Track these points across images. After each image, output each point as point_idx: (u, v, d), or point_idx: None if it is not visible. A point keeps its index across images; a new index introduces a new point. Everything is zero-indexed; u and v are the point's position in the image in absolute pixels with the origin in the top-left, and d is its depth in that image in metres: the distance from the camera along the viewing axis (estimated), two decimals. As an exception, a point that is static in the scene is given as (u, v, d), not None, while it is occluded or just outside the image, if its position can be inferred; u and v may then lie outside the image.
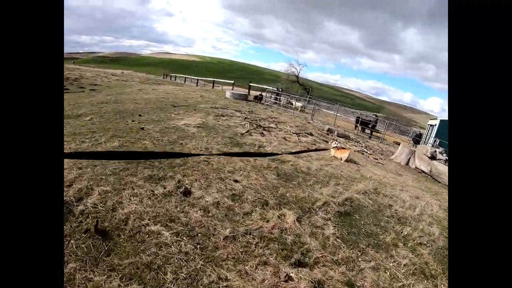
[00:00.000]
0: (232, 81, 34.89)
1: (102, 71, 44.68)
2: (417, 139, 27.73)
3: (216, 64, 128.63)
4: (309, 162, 8.86)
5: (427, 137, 30.37)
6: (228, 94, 24.69)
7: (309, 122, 21.70)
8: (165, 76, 52.84)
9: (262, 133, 11.90)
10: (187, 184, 5.40)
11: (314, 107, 27.19)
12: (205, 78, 42.59)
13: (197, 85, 37.75)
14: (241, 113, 15.64)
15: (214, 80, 38.06)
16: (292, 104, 28.16)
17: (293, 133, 13.97)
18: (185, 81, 45.49)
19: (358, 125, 27.76)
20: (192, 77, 45.43)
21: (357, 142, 18.96)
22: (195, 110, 13.99)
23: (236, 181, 6.01)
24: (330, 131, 18.85)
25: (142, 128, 8.91)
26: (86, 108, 12.71)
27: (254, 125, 12.95)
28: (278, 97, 30.56)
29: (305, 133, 15.10)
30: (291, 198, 5.87)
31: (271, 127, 13.82)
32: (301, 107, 28.70)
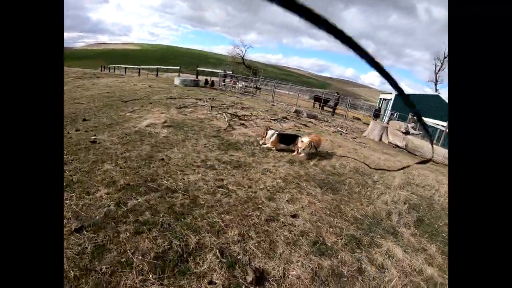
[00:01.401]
0: (178, 67, 32.14)
1: (27, 71, 38.40)
2: (377, 113, 27.75)
3: (157, 50, 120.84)
4: (324, 158, 7.72)
5: (384, 110, 31.55)
6: (177, 82, 22.63)
7: (273, 105, 20.44)
8: (103, 69, 47.41)
9: (243, 124, 10.48)
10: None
11: (274, 89, 25.12)
12: (147, 67, 38.23)
13: (139, 75, 34.08)
14: (203, 102, 14.13)
15: (158, 68, 34.71)
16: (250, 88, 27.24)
17: (271, 119, 12.79)
18: (125, 71, 40.05)
19: (316, 103, 27.93)
20: (133, 66, 41.44)
21: (327, 121, 18.44)
22: (151, 103, 11.55)
23: (294, 216, 4.46)
24: (297, 112, 18.26)
25: (94, 141, 6.22)
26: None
27: (228, 115, 11.31)
28: (231, 80, 28.79)
29: (281, 117, 14.12)
30: (367, 220, 4.84)
31: (247, 115, 12.39)
32: (244, 86, 27.42)
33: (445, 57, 43.06)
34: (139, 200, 4.12)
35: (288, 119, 14.17)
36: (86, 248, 3.18)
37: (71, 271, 2.90)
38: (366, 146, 12.16)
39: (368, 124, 20.52)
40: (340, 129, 15.53)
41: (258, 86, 30.30)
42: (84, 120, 8.24)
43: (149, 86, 18.29)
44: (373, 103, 40.75)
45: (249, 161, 6.40)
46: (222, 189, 4.84)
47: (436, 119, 21.60)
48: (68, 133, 6.82)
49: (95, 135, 6.62)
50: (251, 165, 6.18)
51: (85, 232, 3.40)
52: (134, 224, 3.60)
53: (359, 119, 27.51)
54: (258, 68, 51.11)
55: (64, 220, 3.55)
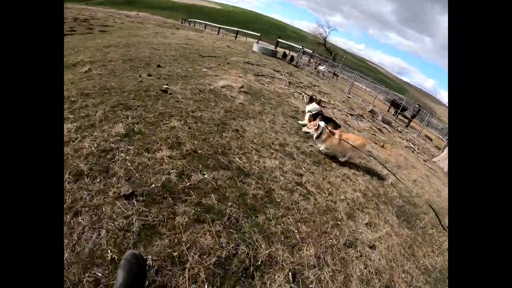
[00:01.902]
0: (258, 34, 30.99)
1: (116, 12, 38.42)
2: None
3: (238, 13, 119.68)
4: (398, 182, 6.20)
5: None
6: (255, 48, 21.43)
7: (349, 97, 18.76)
8: (183, 21, 47.36)
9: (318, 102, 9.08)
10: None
11: (353, 81, 23.45)
12: (227, 27, 37.62)
13: (218, 34, 33.69)
14: (281, 75, 12.88)
15: (238, 31, 33.50)
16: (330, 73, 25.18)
17: (348, 114, 11.44)
18: (205, 28, 40.22)
19: (391, 108, 25.79)
20: (214, 24, 39.75)
21: (400, 132, 16.61)
22: (228, 64, 10.73)
23: (371, 247, 3.64)
24: (372, 112, 16.32)
25: (166, 91, 5.57)
26: (87, 53, 8.69)
27: (306, 95, 10.18)
28: (312, 59, 27.29)
29: (357, 114, 12.54)
30: (435, 274, 3.86)
31: (324, 101, 10.98)
32: (325, 70, 25.65)
33: None
34: (206, 176, 3.38)
35: (364, 118, 12.75)
36: (133, 224, 2.50)
37: (109, 250, 2.24)
38: (436, 175, 10.64)
39: (439, 148, 19.35)
40: (412, 146, 14.08)
41: (336, 72, 28.53)
42: (159, 66, 7.61)
43: (228, 47, 17.55)
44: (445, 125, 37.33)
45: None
46: (301, 188, 4.03)
47: None
48: (140, 76, 6.25)
49: (167, 84, 5.98)
50: (331, 165, 5.26)
51: (135, 202, 2.73)
52: (195, 208, 2.87)
53: (431, 139, 25.12)
54: (338, 53, 49.01)
55: (114, 179, 2.91)
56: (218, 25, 37.41)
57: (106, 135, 3.53)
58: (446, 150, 14.46)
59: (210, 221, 2.76)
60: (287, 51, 25.39)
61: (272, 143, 5.00)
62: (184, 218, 2.69)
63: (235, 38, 32.66)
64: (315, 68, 24.07)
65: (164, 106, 4.79)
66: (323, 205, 3.90)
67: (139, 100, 4.75)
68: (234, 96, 6.64)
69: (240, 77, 8.91)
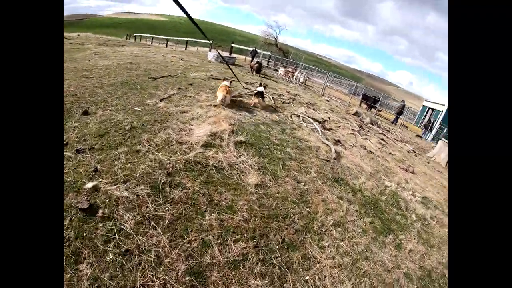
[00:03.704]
0: (210, 41, 27.86)
1: (54, 35, 34.31)
2: (428, 125, 24.23)
3: (185, 23, 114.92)
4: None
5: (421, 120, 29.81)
6: (211, 57, 18.86)
7: (327, 100, 16.35)
8: (128, 37, 43.56)
9: (338, 141, 7.25)
10: None
11: (325, 83, 21.00)
12: (176, 38, 34.33)
13: (166, 46, 30.44)
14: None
15: (187, 40, 30.24)
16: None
17: (353, 129, 9.54)
18: (152, 42, 37.11)
19: (363, 102, 24.17)
20: (162, 37, 37.05)
21: (388, 131, 14.83)
22: (191, 85, 7.65)
23: None
24: (357, 114, 14.26)
25: (90, 207, 2.58)
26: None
27: (317, 126, 7.57)
28: (286, 67, 24.34)
29: (358, 126, 10.88)
30: None
31: (324, 121, 8.85)
32: (306, 78, 23.14)
33: None
34: None
35: (364, 129, 10.78)
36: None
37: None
38: (444, 176, 9.60)
39: (418, 136, 19.89)
40: (412, 149, 12.53)
41: (305, 75, 25.52)
42: (86, 113, 4.35)
43: (181, 59, 14.34)
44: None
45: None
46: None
47: None
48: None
49: (95, 170, 2.90)
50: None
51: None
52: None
53: (406, 127, 24.25)
54: (289, 51, 47.36)
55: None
56: (165, 37, 34.17)
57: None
58: (439, 143, 13.76)
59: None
60: (255, 60, 21.87)
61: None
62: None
63: (185, 49, 29.37)
64: (293, 76, 21.16)
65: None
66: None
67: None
68: (236, 165, 3.80)
69: (216, 106, 5.85)
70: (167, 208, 2.79)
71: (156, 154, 3.52)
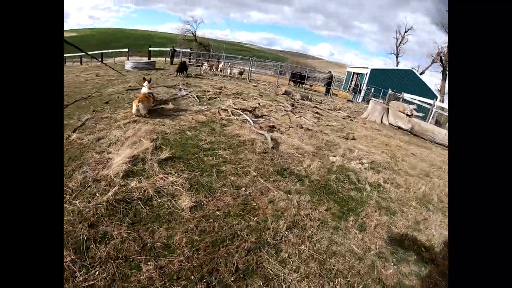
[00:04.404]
0: (126, 50, 26.60)
1: None
2: (355, 89, 26.46)
3: (97, 35, 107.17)
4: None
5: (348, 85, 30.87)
6: (129, 66, 18.01)
7: (255, 86, 16.17)
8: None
9: (273, 127, 6.95)
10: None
11: (249, 69, 20.69)
12: (89, 53, 31.56)
13: (81, 64, 28.03)
14: (180, 90, 10.11)
15: (102, 53, 28.45)
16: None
17: (285, 110, 9.53)
18: (65, 62, 33.85)
19: (291, 80, 24.65)
20: (73, 54, 33.51)
21: (320, 103, 15.23)
22: (107, 104, 7.08)
23: None
24: (287, 93, 14.79)
25: None
26: None
27: (247, 116, 7.32)
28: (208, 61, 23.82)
29: (291, 104, 11.07)
30: None
31: (256, 108, 8.73)
32: (241, 70, 22.41)
33: (406, 31, 40.46)
34: None
35: (297, 107, 10.81)
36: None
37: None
38: (383, 133, 10.20)
39: (349, 101, 20.45)
40: (347, 115, 13.13)
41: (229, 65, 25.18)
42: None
43: (97, 75, 13.38)
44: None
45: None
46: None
47: (412, 94, 19.98)
48: None
49: None
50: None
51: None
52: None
53: (336, 94, 25.19)
54: (210, 44, 46.81)
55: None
56: (78, 54, 31.44)
57: None
58: (370, 103, 14.40)
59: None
60: (180, 60, 20.95)
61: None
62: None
63: (102, 62, 27.52)
64: (217, 69, 20.84)
65: None
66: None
67: None
68: (170, 197, 3.26)
69: (135, 121, 5.26)
70: (97, 273, 2.20)
71: (73, 203, 2.87)
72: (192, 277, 2.24)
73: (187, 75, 15.52)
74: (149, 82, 6.95)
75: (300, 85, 22.84)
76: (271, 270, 2.48)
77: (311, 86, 24.20)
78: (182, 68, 15.61)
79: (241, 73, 21.19)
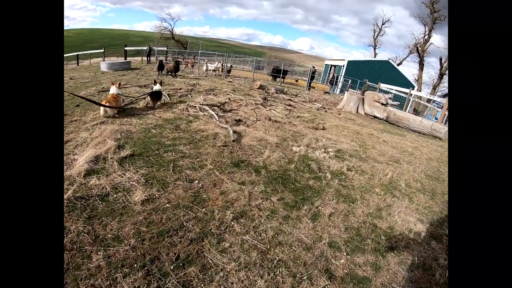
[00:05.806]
0: (102, 50, 26.18)
1: None
2: (333, 81, 26.04)
3: (73, 36, 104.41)
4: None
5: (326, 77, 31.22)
6: (104, 67, 18.01)
7: (230, 81, 16.31)
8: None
9: (240, 120, 7.15)
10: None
11: (224, 65, 20.77)
12: (65, 55, 31.28)
13: (57, 66, 27.33)
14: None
15: (77, 55, 27.87)
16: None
17: (256, 103, 9.75)
18: None
19: (271, 74, 25.26)
20: None
21: (296, 96, 15.51)
22: (77, 106, 7.03)
23: None
24: (262, 87, 15.01)
25: None
26: None
27: (214, 111, 7.39)
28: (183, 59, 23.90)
29: (263, 98, 11.21)
30: None
31: (224, 102, 8.95)
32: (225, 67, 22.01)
33: (383, 23, 40.82)
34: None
35: (269, 100, 11.16)
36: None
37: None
38: (357, 122, 10.41)
39: (326, 93, 20.73)
40: (323, 106, 13.37)
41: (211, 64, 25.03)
42: None
43: (71, 79, 13.23)
44: (306, 68, 38.23)
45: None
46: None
47: (389, 84, 20.46)
48: None
49: None
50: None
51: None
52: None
53: (314, 87, 25.23)
54: (187, 41, 46.17)
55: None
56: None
57: None
58: (346, 94, 14.63)
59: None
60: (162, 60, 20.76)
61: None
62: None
63: (77, 65, 27.06)
64: (193, 66, 21.34)
65: None
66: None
67: None
68: (125, 193, 3.34)
69: (103, 122, 5.35)
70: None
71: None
72: (135, 265, 2.36)
73: (176, 76, 15.50)
74: (118, 85, 7.08)
75: (279, 79, 22.99)
76: (210, 259, 2.58)
77: (296, 81, 24.29)
78: (161, 67, 15.84)
79: (216, 70, 21.13)
